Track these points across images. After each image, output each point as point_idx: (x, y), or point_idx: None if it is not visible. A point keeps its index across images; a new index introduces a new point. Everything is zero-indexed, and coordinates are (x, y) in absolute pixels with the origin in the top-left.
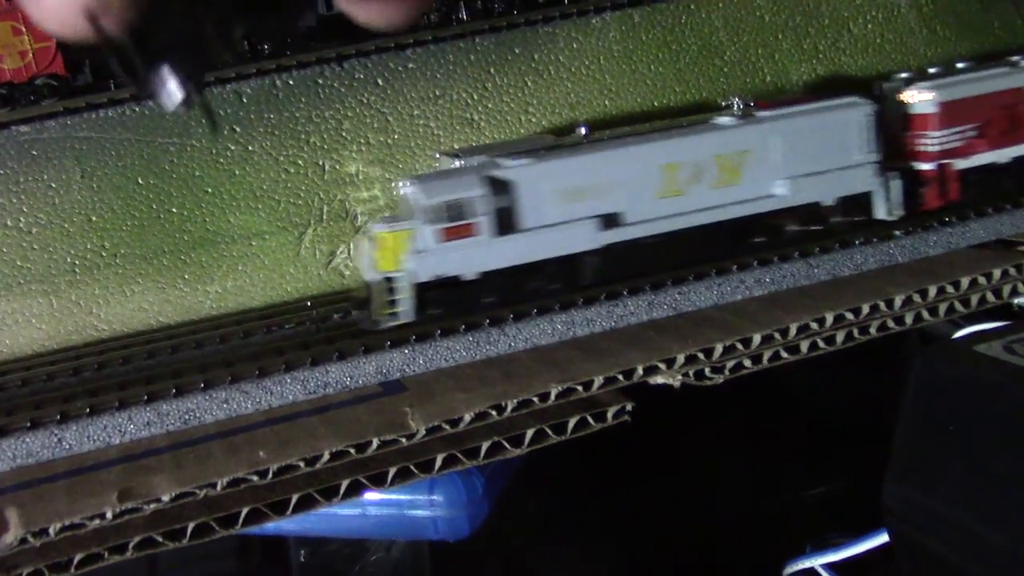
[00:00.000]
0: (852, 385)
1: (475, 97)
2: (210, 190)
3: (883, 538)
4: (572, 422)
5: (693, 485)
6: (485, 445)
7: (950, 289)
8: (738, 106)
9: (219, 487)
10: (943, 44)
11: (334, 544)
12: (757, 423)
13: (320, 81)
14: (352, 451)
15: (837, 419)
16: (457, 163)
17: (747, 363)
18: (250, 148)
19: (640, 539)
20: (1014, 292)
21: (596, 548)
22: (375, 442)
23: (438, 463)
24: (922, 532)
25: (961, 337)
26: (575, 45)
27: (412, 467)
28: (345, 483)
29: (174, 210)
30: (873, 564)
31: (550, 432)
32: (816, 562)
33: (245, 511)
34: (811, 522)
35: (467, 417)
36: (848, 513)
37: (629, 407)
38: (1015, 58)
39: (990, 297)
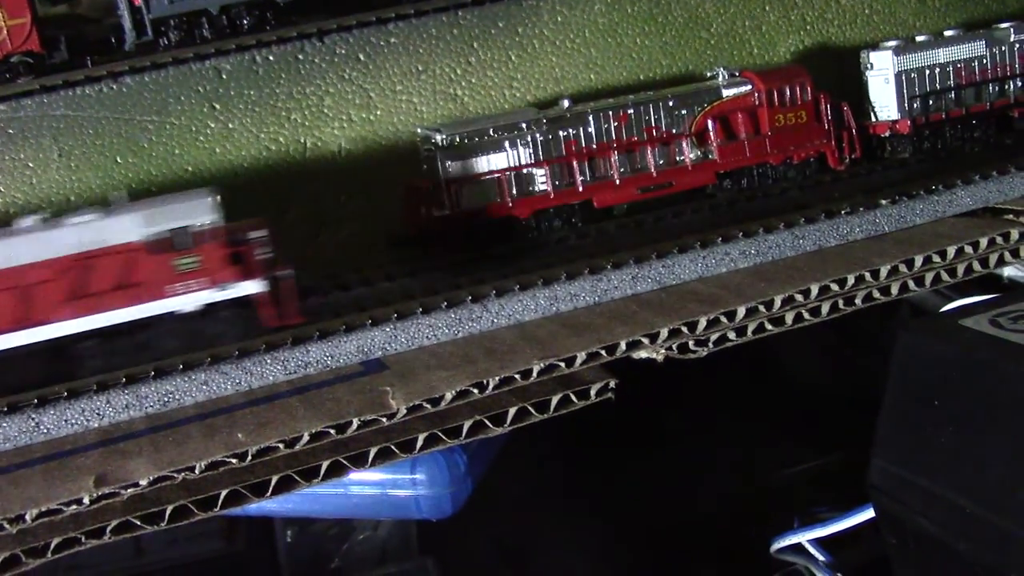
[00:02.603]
0: (843, 359)
1: (458, 72)
2: (190, 168)
3: (870, 514)
4: (555, 400)
5: (681, 461)
6: (467, 424)
7: (936, 259)
8: (724, 77)
9: (197, 470)
10: (932, 15)
11: (321, 525)
12: (748, 398)
13: (300, 57)
14: (332, 431)
15: (829, 393)
16: (439, 137)
17: (731, 336)
18: (230, 126)
19: (627, 515)
20: (1001, 261)
21: (583, 525)
22: (355, 422)
23: (419, 442)
24: (907, 508)
25: (947, 311)
26: (559, 18)
27: (393, 447)
28: (325, 464)
29: (154, 189)
30: (861, 540)
31: (532, 410)
32: (803, 537)
33: (224, 493)
34: (801, 497)
35: (448, 396)
36: (840, 488)
37: (612, 384)
38: (1004, 25)
39: (977, 266)
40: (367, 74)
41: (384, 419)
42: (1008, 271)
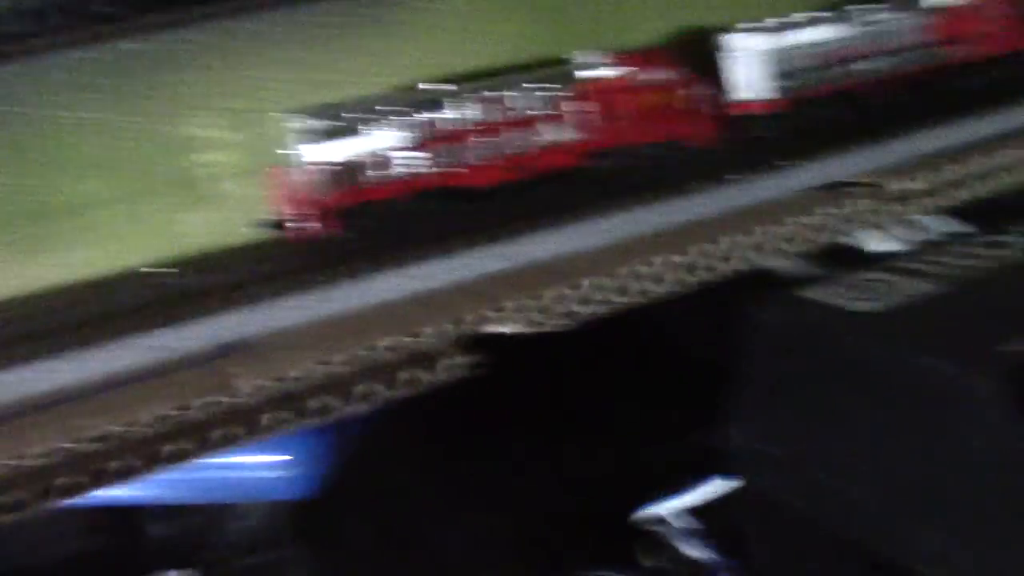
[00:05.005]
0: (724, 330)
1: (323, 58)
2: (41, 160)
3: (730, 482)
4: (404, 376)
5: (560, 436)
6: (316, 403)
7: (777, 230)
8: (587, 59)
9: (29, 458)
10: None
11: (190, 516)
12: (629, 371)
13: (160, 46)
14: (175, 415)
15: (708, 366)
16: (302, 123)
17: (576, 307)
18: (83, 115)
19: (507, 493)
20: (839, 231)
21: (464, 505)
22: (199, 404)
23: (270, 423)
24: (761, 476)
25: (791, 283)
26: (425, 4)
27: (241, 428)
28: (168, 449)
29: (1, 179)
30: (723, 509)
31: (382, 386)
32: (668, 507)
33: (59, 483)
34: (675, 470)
35: (295, 374)
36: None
37: (462, 359)
38: (870, 5)
39: (817, 237)
40: (228, 62)
41: (230, 400)
42: (865, 242)
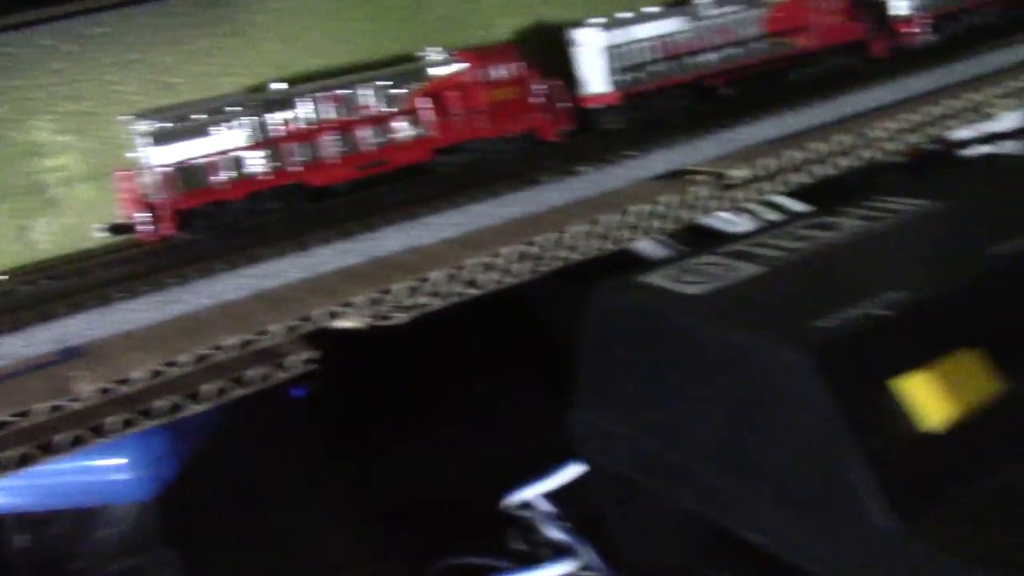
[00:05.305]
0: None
1: (174, 60)
2: None
3: (582, 465)
4: (254, 374)
5: (433, 428)
6: (163, 404)
7: (625, 218)
8: (437, 57)
9: None
10: None
11: (56, 525)
12: (486, 360)
13: (10, 51)
14: (15, 420)
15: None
16: (148, 124)
17: (426, 300)
18: None
19: (380, 488)
20: (684, 218)
21: (337, 503)
22: (40, 409)
23: (114, 425)
24: (604, 454)
25: (632, 268)
26: (279, 4)
27: (86, 432)
28: (10, 454)
29: None
30: (578, 490)
31: (232, 385)
32: (531, 492)
33: None
34: (538, 455)
35: (141, 376)
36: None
37: (313, 355)
38: (703, 2)
39: (663, 223)
40: (77, 65)
41: (73, 404)
42: (707, 226)
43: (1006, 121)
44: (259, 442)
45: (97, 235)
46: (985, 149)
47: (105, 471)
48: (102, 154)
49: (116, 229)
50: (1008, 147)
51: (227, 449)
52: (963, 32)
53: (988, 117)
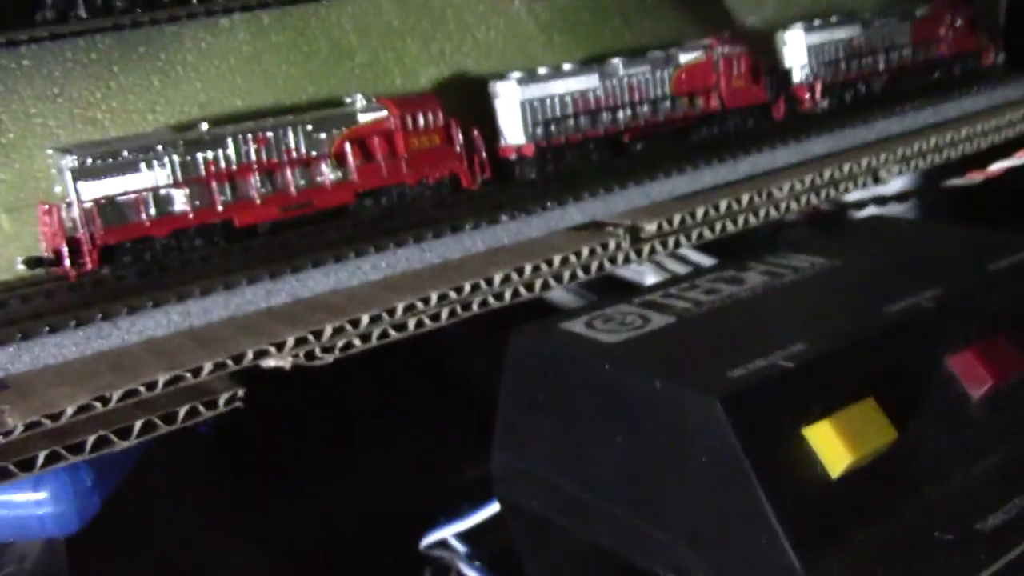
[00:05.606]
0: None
1: (98, 95)
2: None
3: (500, 505)
4: (182, 411)
5: (354, 469)
6: (91, 439)
7: (544, 267)
8: (361, 103)
9: None
10: (558, 49)
11: None
12: (422, 406)
13: None
14: None
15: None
16: (70, 159)
17: (356, 342)
18: None
19: (296, 527)
20: (600, 268)
21: (251, 541)
22: None
23: (40, 460)
24: (523, 495)
25: (550, 316)
26: (203, 45)
27: (10, 466)
28: None
29: None
30: (495, 529)
31: (159, 422)
32: (446, 532)
33: None
34: (462, 496)
35: (69, 411)
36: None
37: (240, 392)
38: (615, 60)
39: (580, 273)
40: (1, 98)
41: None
42: (628, 274)
43: (893, 184)
44: (169, 479)
45: (18, 268)
46: (873, 210)
47: (26, 506)
48: (23, 187)
49: (37, 262)
50: (894, 209)
51: (134, 486)
52: (856, 100)
53: (879, 181)
